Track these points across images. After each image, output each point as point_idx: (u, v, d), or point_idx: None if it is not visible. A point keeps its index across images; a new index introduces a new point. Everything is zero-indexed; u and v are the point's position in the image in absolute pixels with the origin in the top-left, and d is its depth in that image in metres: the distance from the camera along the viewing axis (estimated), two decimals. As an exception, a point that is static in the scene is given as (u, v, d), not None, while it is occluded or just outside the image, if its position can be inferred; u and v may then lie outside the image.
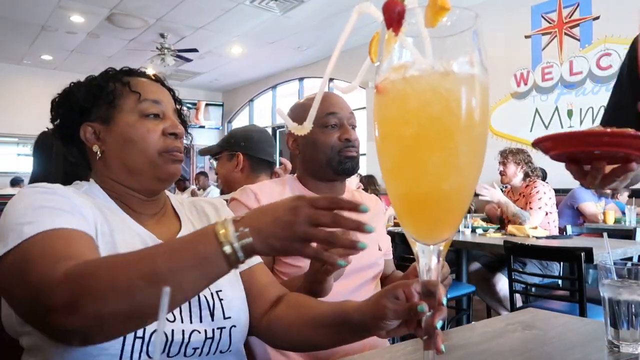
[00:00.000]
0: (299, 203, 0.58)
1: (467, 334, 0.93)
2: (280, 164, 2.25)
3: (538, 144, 0.77)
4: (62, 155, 0.95)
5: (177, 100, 0.98)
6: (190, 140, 1.05)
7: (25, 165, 9.09)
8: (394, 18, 0.51)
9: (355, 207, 0.59)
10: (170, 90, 0.97)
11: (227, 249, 0.59)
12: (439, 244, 0.55)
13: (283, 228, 0.57)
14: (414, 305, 0.64)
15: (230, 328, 0.85)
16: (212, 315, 0.84)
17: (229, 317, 0.86)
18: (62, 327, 0.59)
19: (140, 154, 0.86)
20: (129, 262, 0.61)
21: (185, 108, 1.02)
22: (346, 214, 0.60)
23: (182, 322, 0.80)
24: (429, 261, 0.56)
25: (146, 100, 0.88)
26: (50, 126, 0.94)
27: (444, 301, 0.60)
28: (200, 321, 0.82)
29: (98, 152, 0.88)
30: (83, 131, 0.88)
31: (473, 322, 1.04)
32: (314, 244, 0.61)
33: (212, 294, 0.86)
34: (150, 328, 0.74)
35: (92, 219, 0.77)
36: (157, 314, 0.62)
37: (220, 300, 0.86)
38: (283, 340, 0.92)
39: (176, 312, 0.80)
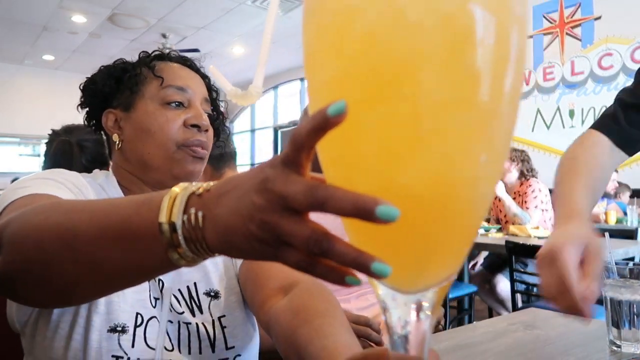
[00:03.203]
0: (270, 173, 0.32)
1: (468, 334, 0.92)
2: None
3: None
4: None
5: (210, 89, 0.89)
6: (227, 134, 0.94)
7: (26, 165, 9.10)
8: None
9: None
10: (204, 77, 0.88)
11: (166, 230, 0.36)
12: (424, 291, 0.29)
13: (244, 218, 0.32)
14: None
15: (235, 358, 0.77)
16: (212, 346, 0.75)
17: (232, 347, 0.77)
18: None
19: (156, 146, 0.77)
20: (56, 210, 0.47)
21: (224, 101, 0.92)
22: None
23: (179, 352, 0.72)
24: (406, 315, 0.30)
25: (170, 86, 0.80)
26: (56, 127, 0.91)
27: None
28: (200, 353, 0.74)
29: (117, 142, 0.81)
30: (105, 118, 0.82)
31: (474, 322, 1.04)
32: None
33: (213, 321, 0.77)
34: (133, 353, 0.67)
35: None
36: (78, 291, 0.46)
37: (223, 328, 0.77)
38: (276, 343, 0.70)
39: (174, 341, 0.73)
